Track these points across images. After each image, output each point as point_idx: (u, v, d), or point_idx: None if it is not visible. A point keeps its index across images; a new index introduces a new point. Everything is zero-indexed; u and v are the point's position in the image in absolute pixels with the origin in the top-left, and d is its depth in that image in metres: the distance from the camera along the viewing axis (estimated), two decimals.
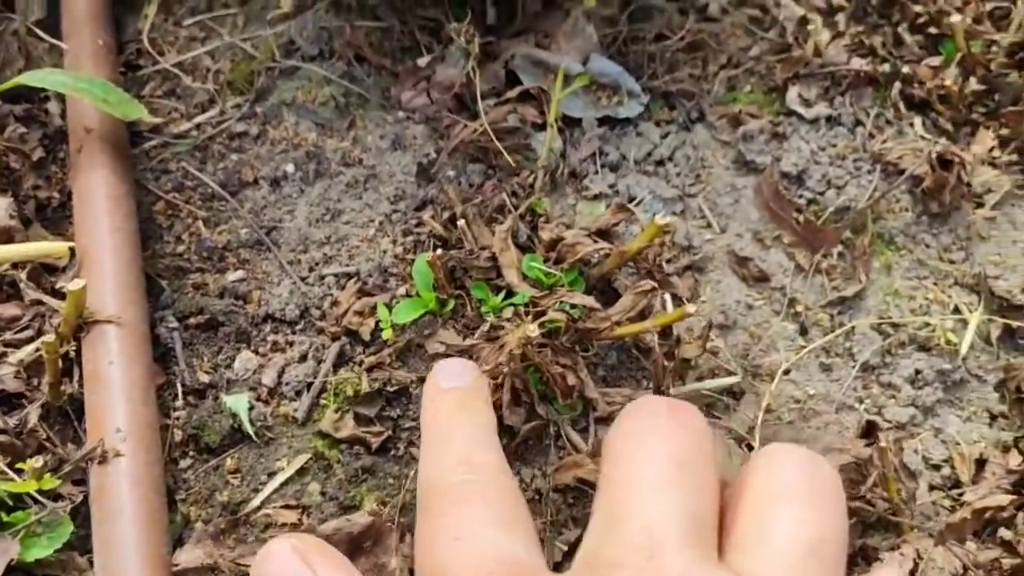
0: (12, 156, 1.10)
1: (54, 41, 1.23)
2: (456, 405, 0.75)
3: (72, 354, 0.96)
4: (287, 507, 0.92)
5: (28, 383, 0.95)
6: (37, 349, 0.96)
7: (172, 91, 1.25)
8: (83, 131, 1.10)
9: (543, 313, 1.03)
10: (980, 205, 1.20)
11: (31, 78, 1.06)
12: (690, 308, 0.95)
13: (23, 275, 1.00)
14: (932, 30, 1.33)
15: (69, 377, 0.96)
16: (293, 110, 1.22)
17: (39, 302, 0.99)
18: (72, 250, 1.03)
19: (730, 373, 1.06)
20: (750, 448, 0.97)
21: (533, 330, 0.93)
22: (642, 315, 1.03)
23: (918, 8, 1.34)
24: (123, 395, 0.91)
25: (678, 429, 0.61)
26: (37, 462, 0.83)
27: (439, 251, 1.02)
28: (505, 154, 1.16)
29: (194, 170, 1.17)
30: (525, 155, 1.19)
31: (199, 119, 1.22)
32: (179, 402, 0.99)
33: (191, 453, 0.96)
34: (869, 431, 1.00)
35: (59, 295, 1.01)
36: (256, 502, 0.93)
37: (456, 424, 0.73)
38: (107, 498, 0.85)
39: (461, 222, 1.07)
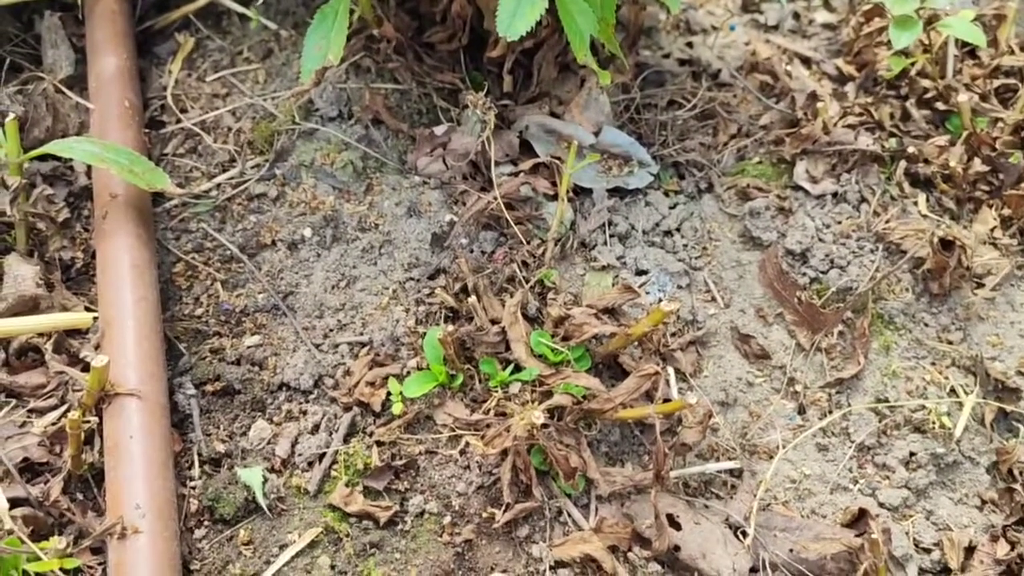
0: (39, 219, 1.13)
1: (81, 100, 1.26)
2: None
3: (95, 424, 0.99)
4: None
5: (51, 451, 0.99)
6: (61, 417, 1.00)
7: (194, 149, 1.28)
8: (108, 196, 1.13)
9: (549, 392, 1.06)
10: (980, 286, 1.23)
11: (61, 147, 1.09)
12: (691, 399, 0.98)
13: (48, 345, 1.04)
14: (940, 105, 1.36)
15: (90, 445, 1.00)
16: (312, 172, 1.25)
17: (63, 371, 1.02)
18: (95, 318, 1.06)
19: (729, 451, 1.09)
20: (744, 535, 1.01)
21: (539, 417, 0.96)
22: (648, 396, 1.06)
23: (926, 83, 1.36)
24: (142, 470, 0.94)
25: None
26: (60, 543, 0.87)
27: (450, 328, 1.06)
28: (516, 226, 1.19)
29: (213, 231, 1.21)
30: (536, 224, 1.23)
31: (219, 179, 1.25)
32: (195, 471, 1.02)
33: (206, 523, 1.00)
34: (859, 518, 1.03)
35: (81, 362, 1.05)
36: (268, 575, 0.96)
37: None
38: (125, 575, 0.88)
39: (472, 298, 1.10)
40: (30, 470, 0.99)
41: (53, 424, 1.00)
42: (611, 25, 1.15)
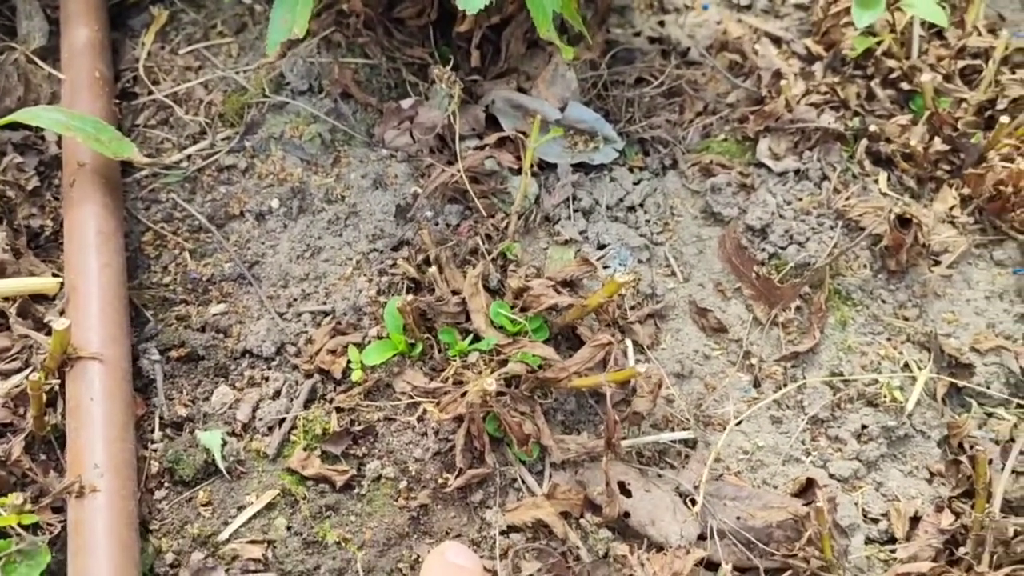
0: (8, 187, 1.15)
1: (52, 71, 1.28)
2: None
3: (57, 386, 1.01)
4: (254, 542, 0.98)
5: (14, 412, 1.01)
6: (25, 380, 1.02)
7: (165, 121, 1.30)
8: (76, 165, 1.15)
9: (507, 361, 1.08)
10: (937, 263, 1.25)
11: (28, 115, 1.11)
12: (640, 368, 1.00)
13: (13, 309, 1.06)
14: (904, 86, 1.37)
15: (53, 407, 1.02)
16: (281, 145, 1.27)
17: (27, 335, 1.04)
18: (61, 284, 1.08)
19: (684, 422, 1.11)
20: (693, 503, 1.03)
21: (491, 384, 0.98)
22: (603, 366, 1.08)
23: (892, 63, 1.38)
24: (102, 432, 0.96)
25: None
26: (18, 499, 0.89)
27: (410, 296, 1.07)
28: (481, 200, 1.21)
29: (183, 201, 1.23)
30: (501, 198, 1.24)
31: (190, 150, 1.27)
32: (157, 434, 1.04)
33: (166, 484, 1.02)
34: (807, 488, 1.05)
35: (46, 327, 1.07)
36: (225, 535, 0.98)
37: None
38: (83, 532, 0.90)
39: (433, 268, 1.12)
40: None
41: (17, 387, 1.02)
42: (574, 1, 1.16)
